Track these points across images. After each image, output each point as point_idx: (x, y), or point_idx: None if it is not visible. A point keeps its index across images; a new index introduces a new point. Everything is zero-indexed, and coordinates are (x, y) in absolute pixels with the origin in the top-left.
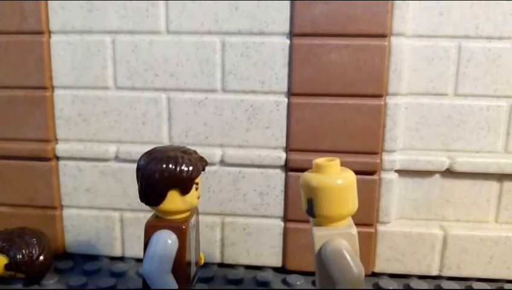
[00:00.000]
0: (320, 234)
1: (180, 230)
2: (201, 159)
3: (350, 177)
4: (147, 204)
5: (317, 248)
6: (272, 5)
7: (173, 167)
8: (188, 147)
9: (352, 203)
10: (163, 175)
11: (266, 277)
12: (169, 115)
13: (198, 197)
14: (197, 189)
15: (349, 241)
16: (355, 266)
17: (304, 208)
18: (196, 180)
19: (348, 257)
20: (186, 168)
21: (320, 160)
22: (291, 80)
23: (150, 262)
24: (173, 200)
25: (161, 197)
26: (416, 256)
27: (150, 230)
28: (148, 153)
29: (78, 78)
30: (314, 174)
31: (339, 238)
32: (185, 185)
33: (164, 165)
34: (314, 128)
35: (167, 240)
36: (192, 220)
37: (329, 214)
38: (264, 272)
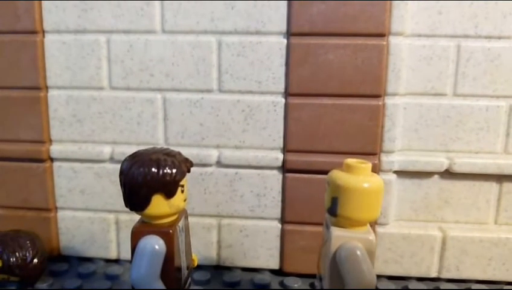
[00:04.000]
0: (339, 235)
1: (168, 235)
2: (186, 160)
3: (379, 183)
4: (131, 209)
5: (333, 248)
6: (268, 4)
7: (156, 171)
8: (184, 148)
9: (376, 209)
10: (146, 179)
11: (263, 279)
12: (164, 116)
13: (185, 200)
14: (182, 191)
15: (367, 247)
16: (369, 273)
17: (326, 206)
18: (181, 183)
19: (363, 263)
20: (169, 171)
21: (351, 160)
22: (288, 80)
23: (138, 269)
24: (158, 205)
25: (145, 202)
26: (415, 258)
27: (136, 236)
28: (131, 157)
29: (73, 78)
30: (343, 173)
31: (357, 242)
32: (169, 188)
33: (147, 169)
34: (312, 128)
35: (154, 246)
36: (181, 223)
37: (351, 216)
38: (261, 274)
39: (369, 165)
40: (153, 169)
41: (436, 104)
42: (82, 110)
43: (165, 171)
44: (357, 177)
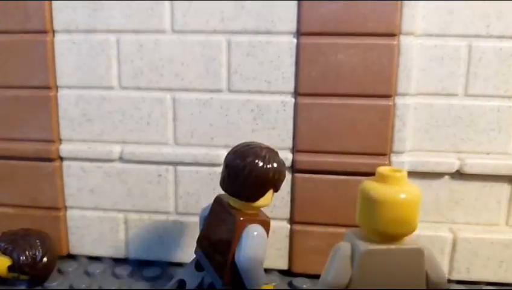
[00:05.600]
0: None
1: (268, 224)
2: None
3: (416, 193)
4: (246, 200)
5: None
6: (278, 4)
7: (283, 170)
8: (193, 147)
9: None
10: (273, 176)
11: (272, 279)
12: (174, 115)
13: None
14: None
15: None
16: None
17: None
18: None
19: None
20: (285, 170)
21: (384, 169)
22: (298, 80)
23: (248, 255)
24: (267, 198)
25: (261, 195)
26: None
27: (241, 225)
28: (255, 154)
29: (83, 77)
30: (377, 183)
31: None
32: (280, 185)
33: (275, 165)
34: (322, 129)
35: (262, 234)
36: None
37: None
38: (270, 274)
39: (405, 173)
40: (277, 166)
41: (447, 105)
42: (92, 109)
43: (284, 169)
44: (392, 188)
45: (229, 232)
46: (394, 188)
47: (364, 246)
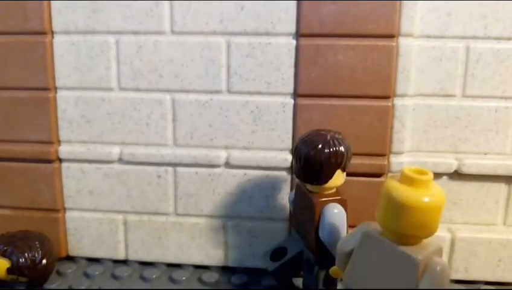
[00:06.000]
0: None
1: (345, 201)
2: None
3: (440, 196)
4: (318, 184)
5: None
6: (278, 5)
7: (343, 151)
8: (193, 148)
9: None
10: (335, 160)
11: (272, 280)
12: (173, 117)
13: None
14: None
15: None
16: None
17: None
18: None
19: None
20: (349, 150)
21: (409, 170)
22: (297, 81)
23: (330, 232)
24: (337, 177)
25: (330, 177)
26: None
27: (319, 206)
28: (320, 141)
29: (81, 79)
30: (400, 185)
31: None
32: (346, 165)
33: (336, 149)
34: None
35: (340, 210)
36: None
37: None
38: (270, 275)
39: (430, 177)
40: (341, 148)
41: (445, 105)
42: (91, 111)
43: (348, 151)
44: (416, 191)
45: (311, 214)
46: (418, 191)
47: (368, 228)
